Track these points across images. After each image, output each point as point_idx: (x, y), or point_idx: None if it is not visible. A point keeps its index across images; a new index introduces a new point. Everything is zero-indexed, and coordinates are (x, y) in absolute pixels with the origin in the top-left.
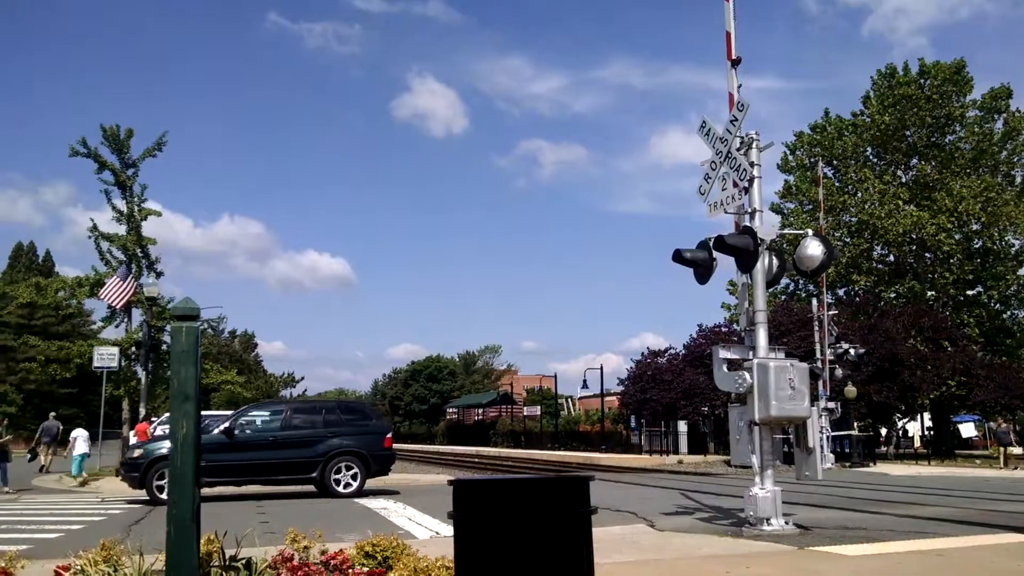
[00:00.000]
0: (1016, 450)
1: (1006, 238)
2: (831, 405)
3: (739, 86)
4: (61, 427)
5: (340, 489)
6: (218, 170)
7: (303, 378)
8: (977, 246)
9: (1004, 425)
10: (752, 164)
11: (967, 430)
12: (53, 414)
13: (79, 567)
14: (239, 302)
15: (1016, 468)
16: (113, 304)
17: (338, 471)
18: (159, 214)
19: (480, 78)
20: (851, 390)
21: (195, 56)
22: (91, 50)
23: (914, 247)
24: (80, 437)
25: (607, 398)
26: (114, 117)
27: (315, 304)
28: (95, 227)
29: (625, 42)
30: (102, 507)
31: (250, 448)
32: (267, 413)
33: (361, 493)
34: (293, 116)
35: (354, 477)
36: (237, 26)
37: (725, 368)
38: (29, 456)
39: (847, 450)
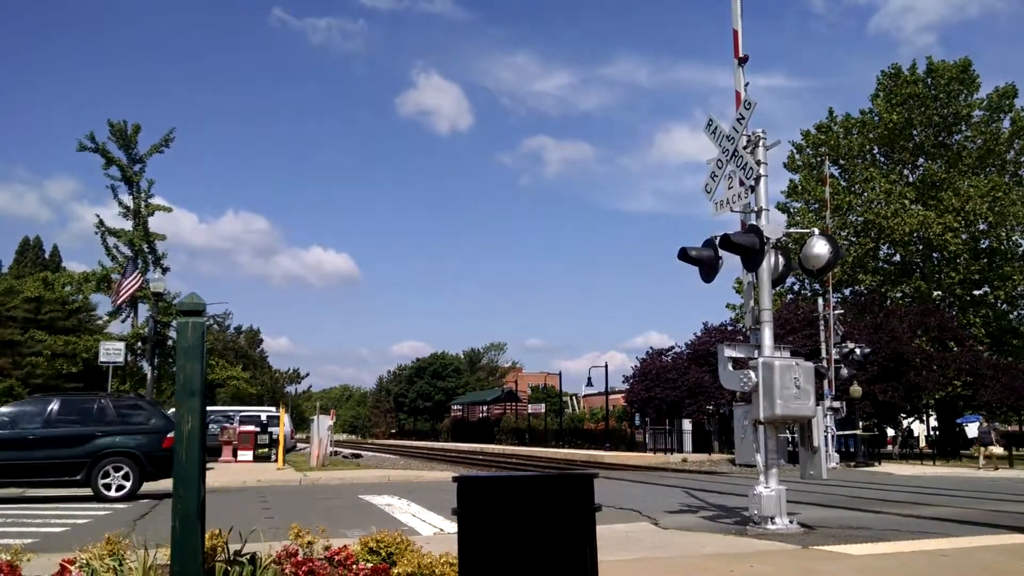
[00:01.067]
0: (997, 450)
1: (1013, 238)
2: (836, 404)
3: (746, 84)
4: None
5: (110, 493)
6: (222, 165)
7: (308, 374)
8: (984, 246)
9: (985, 425)
10: (759, 163)
11: (973, 430)
12: None
13: (84, 561)
14: (244, 298)
15: (997, 468)
16: (120, 302)
17: (106, 474)
18: (169, 210)
19: (486, 75)
20: (856, 389)
21: (200, 51)
22: (94, 44)
23: (920, 247)
24: None
25: (612, 396)
26: (117, 111)
27: (320, 300)
28: (101, 223)
29: (633, 39)
30: (108, 502)
31: (6, 447)
32: (30, 409)
33: (133, 496)
34: (297, 111)
35: (126, 478)
36: (241, 21)
37: (730, 367)
38: None
39: (852, 450)
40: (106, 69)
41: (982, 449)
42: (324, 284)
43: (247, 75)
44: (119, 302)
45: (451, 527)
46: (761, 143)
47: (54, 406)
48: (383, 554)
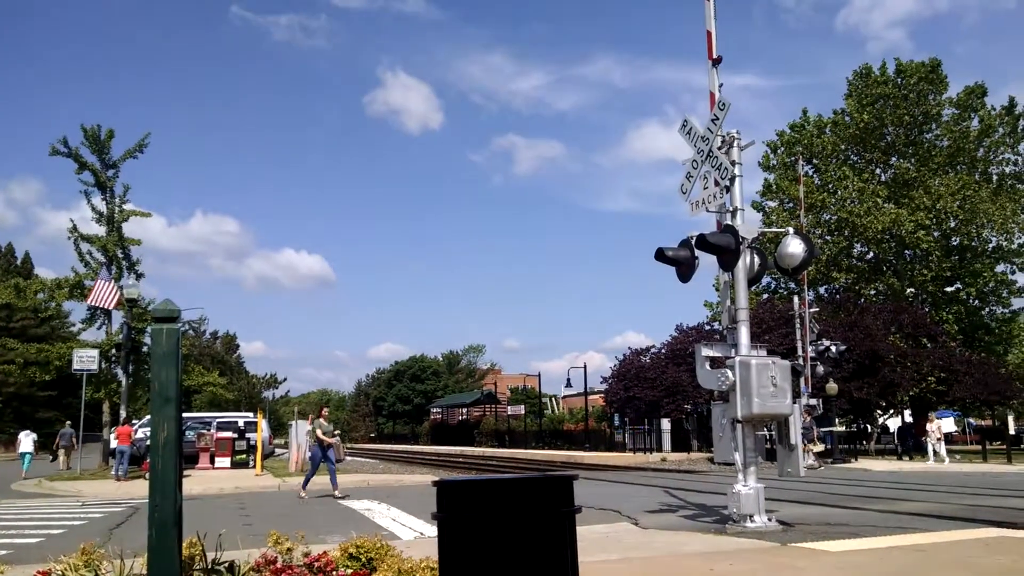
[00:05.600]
0: (817, 447)
1: (983, 235)
2: (813, 402)
3: (720, 85)
4: (74, 433)
5: None
6: (187, 166)
7: (285, 379)
8: (955, 243)
9: (808, 419)
10: (733, 163)
11: (947, 426)
12: (69, 422)
13: (60, 572)
14: (218, 302)
15: (821, 466)
16: (105, 306)
17: None
18: (148, 215)
19: (458, 74)
20: (832, 387)
21: (161, 50)
22: (56, 46)
23: (893, 244)
24: (23, 438)
25: (591, 396)
26: (79, 112)
27: (294, 303)
28: (75, 228)
29: (608, 39)
30: (83, 511)
31: None
32: None
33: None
34: (263, 110)
35: None
36: (201, 19)
37: (708, 366)
38: (51, 458)
39: (828, 446)
40: (66, 70)
41: (809, 445)
42: (298, 287)
43: (210, 74)
44: (97, 304)
45: (432, 531)
46: (736, 143)
47: None
48: (363, 559)
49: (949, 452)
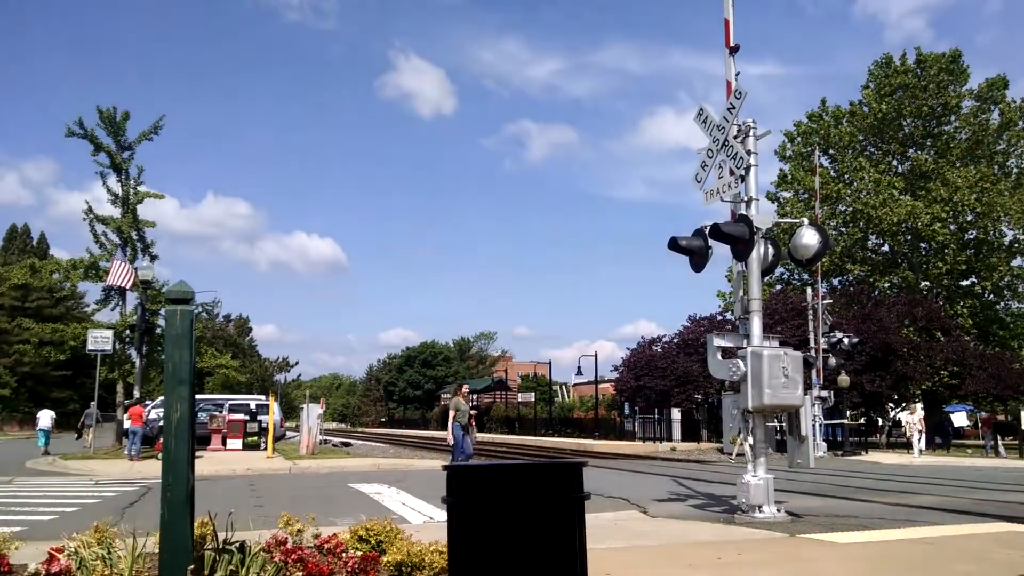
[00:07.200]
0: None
1: (1000, 229)
2: (824, 394)
3: (737, 74)
4: (99, 413)
5: None
6: (199, 148)
7: (297, 362)
8: (971, 236)
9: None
10: (749, 152)
11: (959, 420)
12: (94, 402)
13: (73, 549)
14: (230, 284)
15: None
16: (121, 285)
17: None
18: (161, 196)
19: (473, 60)
20: (844, 379)
21: (172, 32)
22: (68, 27)
23: (908, 237)
24: (42, 416)
25: (601, 385)
26: (89, 92)
27: (306, 287)
28: (90, 209)
29: (622, 26)
30: (96, 489)
31: None
32: None
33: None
34: (274, 91)
35: None
36: (213, 1)
37: (719, 356)
38: (76, 436)
39: (839, 439)
40: (77, 50)
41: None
42: (310, 271)
43: (220, 55)
44: (116, 284)
45: (441, 515)
46: (752, 133)
47: None
48: (373, 542)
49: (960, 446)
